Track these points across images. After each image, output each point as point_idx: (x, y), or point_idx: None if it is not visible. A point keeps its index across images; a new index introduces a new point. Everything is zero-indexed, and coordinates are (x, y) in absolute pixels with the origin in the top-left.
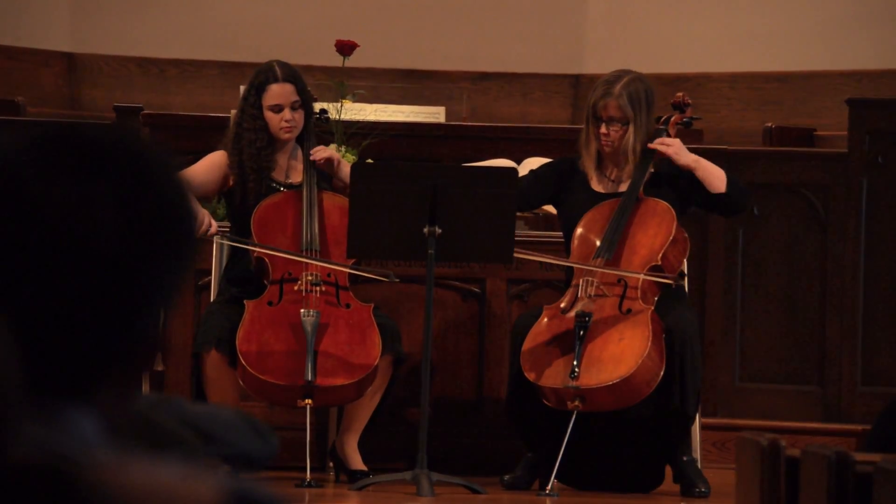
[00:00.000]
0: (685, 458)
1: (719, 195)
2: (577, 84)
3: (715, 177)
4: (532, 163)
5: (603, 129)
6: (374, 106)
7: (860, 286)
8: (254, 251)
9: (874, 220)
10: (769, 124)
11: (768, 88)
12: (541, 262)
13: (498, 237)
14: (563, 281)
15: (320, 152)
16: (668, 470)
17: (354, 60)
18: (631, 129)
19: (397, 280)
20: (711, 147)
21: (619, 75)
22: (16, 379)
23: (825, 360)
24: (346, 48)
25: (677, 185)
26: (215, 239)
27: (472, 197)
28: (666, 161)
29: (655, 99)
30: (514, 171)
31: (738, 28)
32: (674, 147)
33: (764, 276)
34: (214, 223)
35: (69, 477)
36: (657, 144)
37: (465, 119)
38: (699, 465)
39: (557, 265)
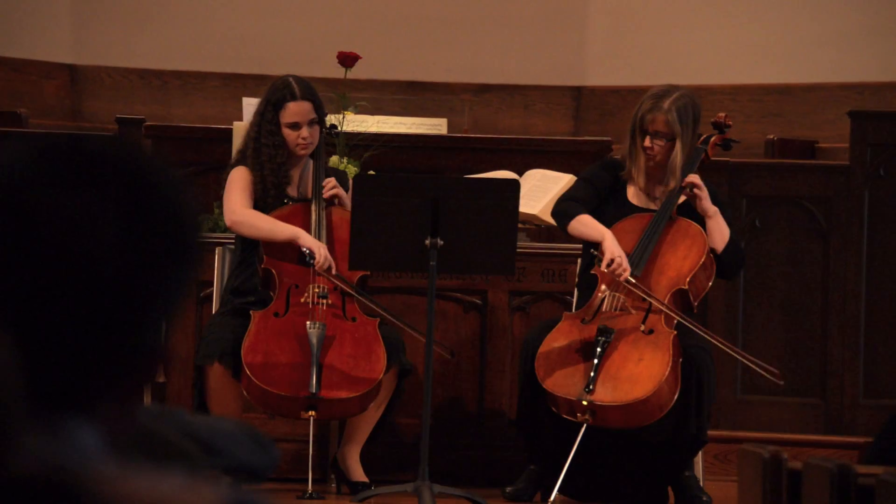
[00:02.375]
0: (687, 474)
1: (713, 254)
2: (579, 96)
3: (721, 235)
4: (534, 175)
5: (647, 143)
6: (376, 118)
7: (862, 298)
8: (261, 264)
9: (876, 232)
10: (771, 136)
11: (770, 100)
12: (542, 273)
13: (500, 249)
14: (565, 293)
15: (332, 189)
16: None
17: (356, 72)
18: (677, 145)
19: (415, 330)
20: (713, 159)
21: (668, 90)
22: (17, 391)
23: (827, 372)
24: (348, 60)
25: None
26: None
27: (473, 209)
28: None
29: (701, 116)
30: (516, 182)
31: (740, 40)
32: (704, 192)
33: (766, 288)
34: (334, 262)
35: (71, 489)
36: (690, 192)
37: (466, 131)
38: (701, 482)
39: (557, 276)
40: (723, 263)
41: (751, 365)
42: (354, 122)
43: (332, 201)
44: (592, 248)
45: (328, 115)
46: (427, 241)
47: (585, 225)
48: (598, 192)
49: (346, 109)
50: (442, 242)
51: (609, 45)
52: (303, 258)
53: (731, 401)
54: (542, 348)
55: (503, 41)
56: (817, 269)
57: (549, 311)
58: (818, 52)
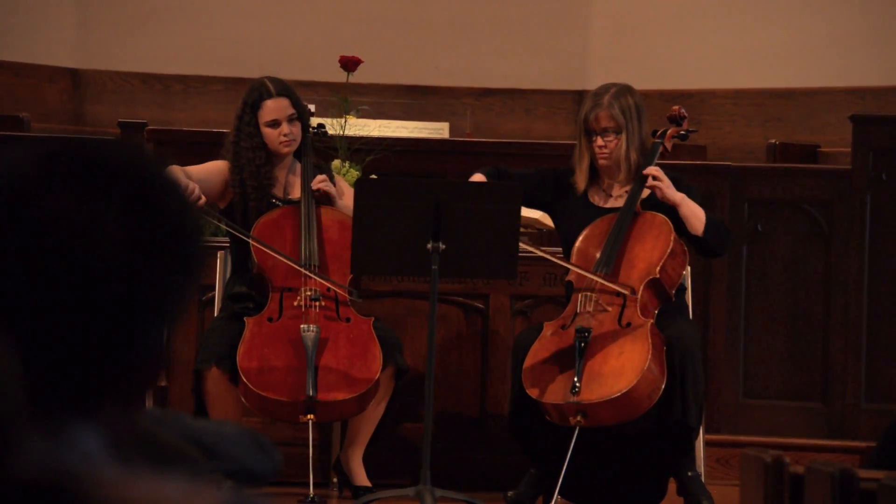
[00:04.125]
0: (690, 474)
1: (695, 237)
2: (581, 100)
3: (696, 218)
4: None
5: (599, 142)
6: (378, 122)
7: (864, 302)
8: (253, 269)
9: (878, 236)
10: (773, 140)
11: (772, 105)
12: (544, 277)
13: (501, 253)
14: (566, 297)
15: (320, 184)
16: (672, 485)
17: (358, 76)
18: (623, 137)
19: (360, 301)
20: (715, 163)
21: (606, 87)
22: (19, 395)
23: (829, 376)
24: (349, 64)
25: (673, 208)
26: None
27: (475, 213)
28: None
29: (645, 108)
30: (518, 186)
31: (742, 44)
32: (664, 182)
33: (768, 292)
34: (203, 196)
35: (72, 493)
36: (651, 182)
37: (468, 135)
38: (703, 481)
39: (559, 280)
40: (709, 244)
41: (609, 285)
42: (356, 126)
43: (321, 201)
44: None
45: (314, 115)
46: (429, 246)
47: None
48: (542, 182)
49: (348, 113)
50: (444, 246)
51: (611, 49)
52: None
53: (732, 405)
54: (527, 362)
55: (505, 45)
56: (819, 273)
57: (551, 315)
58: (820, 57)
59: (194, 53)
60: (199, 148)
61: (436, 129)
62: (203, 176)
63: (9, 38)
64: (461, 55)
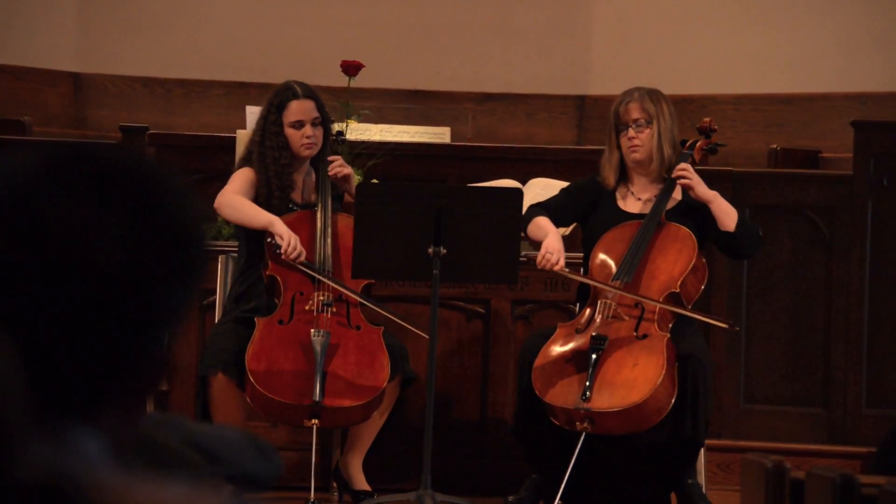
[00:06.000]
0: (690, 482)
1: (727, 233)
2: (582, 105)
3: (727, 215)
4: (537, 184)
5: (630, 133)
6: (380, 126)
7: (865, 308)
8: (266, 271)
9: (879, 242)
10: (774, 146)
11: (773, 110)
12: (545, 282)
13: (503, 258)
14: (568, 302)
15: (340, 167)
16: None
17: (360, 81)
18: (655, 127)
19: (423, 335)
20: (716, 168)
21: (635, 87)
22: (21, 398)
23: (830, 382)
24: (351, 69)
25: (700, 215)
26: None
27: (476, 217)
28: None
29: (675, 111)
30: (519, 191)
31: (744, 50)
32: (694, 179)
33: (769, 297)
34: (304, 251)
35: (73, 497)
36: (679, 171)
37: (469, 140)
38: (704, 490)
39: (560, 285)
40: (739, 240)
41: (703, 319)
42: (358, 131)
43: (336, 206)
44: (526, 252)
45: (333, 122)
46: (430, 250)
47: (538, 227)
48: (575, 201)
49: (350, 118)
50: (445, 251)
51: (612, 54)
52: (272, 246)
53: (733, 410)
54: (538, 361)
55: (506, 50)
56: (820, 279)
57: (552, 320)
58: (822, 62)
59: (196, 57)
60: (200, 152)
61: (437, 134)
62: (244, 191)
63: (10, 42)
64: (462, 60)
